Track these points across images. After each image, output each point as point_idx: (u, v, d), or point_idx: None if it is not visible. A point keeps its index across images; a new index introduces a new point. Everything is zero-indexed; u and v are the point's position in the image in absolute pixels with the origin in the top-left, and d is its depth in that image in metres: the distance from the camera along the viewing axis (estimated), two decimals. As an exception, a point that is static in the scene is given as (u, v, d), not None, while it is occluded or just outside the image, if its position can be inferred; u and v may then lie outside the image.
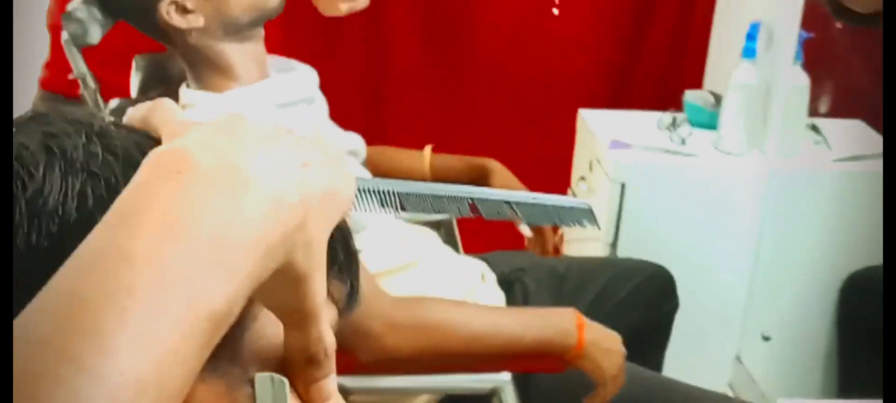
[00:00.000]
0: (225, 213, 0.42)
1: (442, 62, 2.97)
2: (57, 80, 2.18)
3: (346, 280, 0.57)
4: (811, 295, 2.49)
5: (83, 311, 0.38)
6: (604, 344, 1.48)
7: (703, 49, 2.91)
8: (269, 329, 0.50)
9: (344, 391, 0.52)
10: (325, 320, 0.49)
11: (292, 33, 2.46)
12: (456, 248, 1.92)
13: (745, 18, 2.49)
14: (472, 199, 0.72)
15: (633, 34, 2.94)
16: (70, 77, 1.73)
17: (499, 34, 2.91)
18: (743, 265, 2.52)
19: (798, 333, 2.53)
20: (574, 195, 2.68)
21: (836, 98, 2.62)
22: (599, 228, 1.95)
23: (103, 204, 0.44)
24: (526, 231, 1.85)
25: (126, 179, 0.44)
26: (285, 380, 0.48)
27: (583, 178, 2.66)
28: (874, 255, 1.40)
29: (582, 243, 2.58)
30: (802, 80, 2.40)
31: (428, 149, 1.91)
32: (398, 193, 0.66)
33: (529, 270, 1.91)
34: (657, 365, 2.01)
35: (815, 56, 2.38)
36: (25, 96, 2.17)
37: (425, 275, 1.71)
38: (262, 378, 0.48)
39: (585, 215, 0.80)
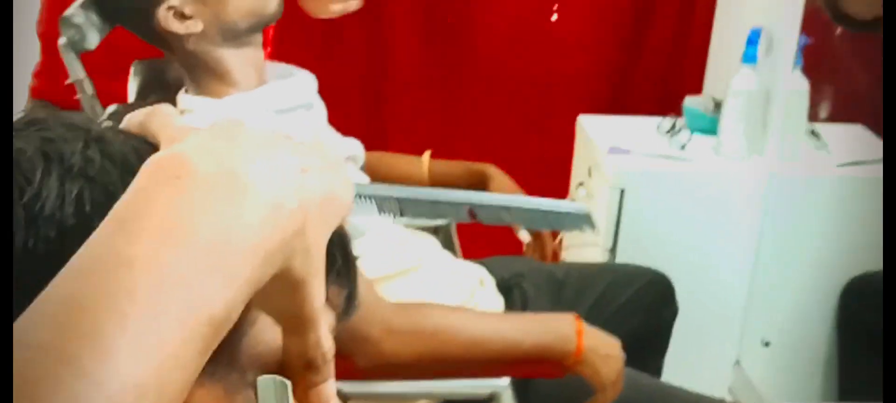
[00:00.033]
0: (224, 219, 0.42)
1: (442, 63, 2.96)
2: (48, 89, 2.17)
3: (345, 285, 0.57)
4: (811, 300, 2.48)
5: (82, 316, 0.38)
6: (603, 350, 1.48)
7: (703, 54, 2.91)
8: (268, 333, 0.50)
9: (342, 396, 0.52)
10: (324, 325, 0.49)
11: (292, 34, 2.46)
12: (454, 253, 1.92)
13: (745, 23, 2.49)
14: (470, 205, 0.72)
15: (634, 35, 2.93)
16: (67, 82, 1.73)
17: (499, 35, 2.91)
18: (743, 270, 2.52)
19: (798, 338, 2.53)
20: (573, 200, 2.68)
21: (836, 103, 2.63)
22: (596, 230, 1.95)
23: (101, 209, 0.44)
24: (524, 236, 1.85)
25: (124, 185, 0.44)
26: (288, 383, 0.48)
27: (582, 184, 2.66)
28: (874, 260, 1.40)
29: (581, 249, 2.58)
30: (802, 85, 2.40)
31: (426, 154, 1.91)
32: (397, 198, 0.66)
33: (528, 275, 1.91)
34: (656, 371, 2.01)
35: (815, 61, 2.38)
36: (16, 106, 2.17)
37: (424, 280, 1.70)
38: (265, 381, 0.48)
39: (584, 220, 0.81)
